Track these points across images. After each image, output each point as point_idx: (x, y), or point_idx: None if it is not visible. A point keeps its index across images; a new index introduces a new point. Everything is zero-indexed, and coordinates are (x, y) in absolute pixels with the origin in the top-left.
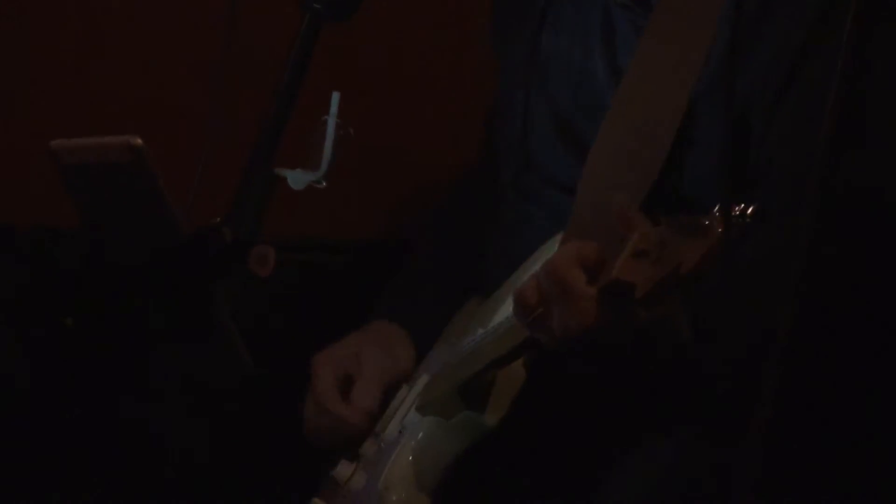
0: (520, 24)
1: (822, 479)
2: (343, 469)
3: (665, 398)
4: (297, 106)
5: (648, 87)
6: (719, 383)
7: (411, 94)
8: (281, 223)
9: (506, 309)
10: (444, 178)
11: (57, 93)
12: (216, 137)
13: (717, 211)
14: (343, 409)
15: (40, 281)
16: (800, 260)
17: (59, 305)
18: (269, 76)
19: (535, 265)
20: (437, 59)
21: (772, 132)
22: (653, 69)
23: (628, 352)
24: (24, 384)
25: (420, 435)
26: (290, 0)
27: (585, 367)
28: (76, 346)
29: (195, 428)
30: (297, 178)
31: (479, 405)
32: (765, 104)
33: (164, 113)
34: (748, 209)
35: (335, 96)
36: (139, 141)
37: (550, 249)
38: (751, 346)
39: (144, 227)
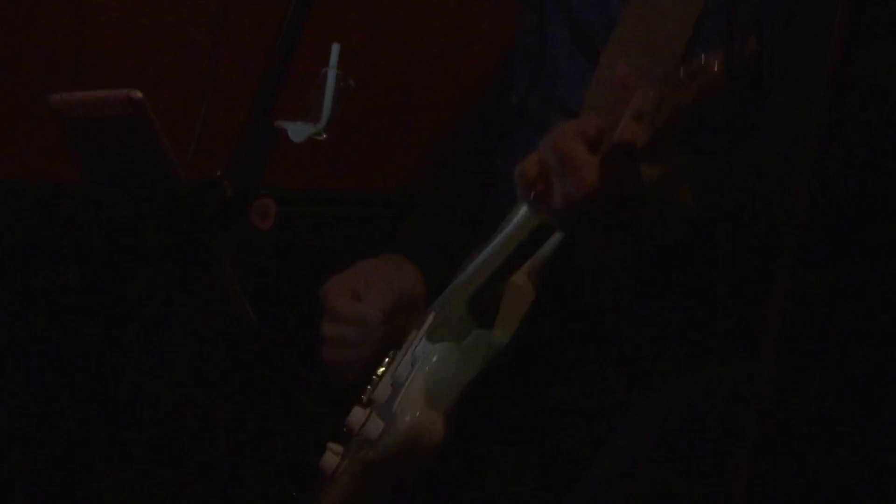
0: None
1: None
2: (357, 416)
3: (675, 300)
4: (297, 58)
5: (657, 4)
6: (728, 275)
7: (412, 44)
8: (282, 176)
9: (512, 227)
10: (446, 129)
11: (57, 47)
12: (216, 91)
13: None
14: (359, 307)
15: (42, 235)
16: (811, 154)
17: (61, 259)
18: (268, 28)
19: None
20: (438, 9)
21: (782, 46)
22: None
23: (633, 226)
24: (24, 337)
25: (434, 358)
26: None
27: (594, 250)
28: (77, 300)
29: (197, 381)
30: (297, 131)
31: (488, 320)
32: (776, 22)
33: (164, 66)
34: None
35: (335, 48)
36: (139, 94)
37: None
38: (760, 234)
39: (145, 181)
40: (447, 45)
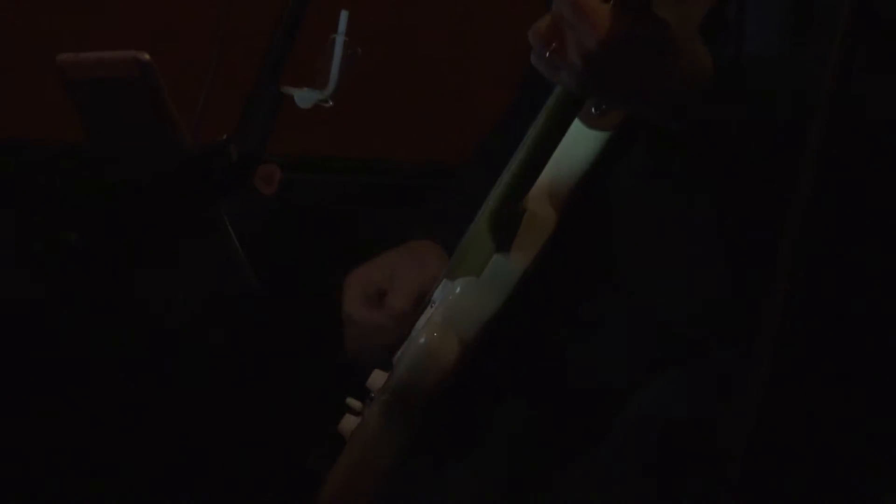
0: None
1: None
2: (377, 378)
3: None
4: (305, 24)
5: None
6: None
7: (418, 13)
8: (287, 142)
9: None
10: (449, 99)
11: (65, 8)
12: (223, 55)
13: None
14: (375, 315)
15: (44, 195)
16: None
17: (63, 221)
18: None
19: None
20: None
21: None
22: None
23: (648, 79)
24: (25, 298)
25: (457, 290)
26: None
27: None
28: (78, 262)
29: (200, 347)
30: (304, 97)
31: (507, 243)
32: None
33: (171, 29)
34: None
35: (343, 15)
36: (146, 56)
37: None
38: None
39: (150, 144)
40: (457, 17)
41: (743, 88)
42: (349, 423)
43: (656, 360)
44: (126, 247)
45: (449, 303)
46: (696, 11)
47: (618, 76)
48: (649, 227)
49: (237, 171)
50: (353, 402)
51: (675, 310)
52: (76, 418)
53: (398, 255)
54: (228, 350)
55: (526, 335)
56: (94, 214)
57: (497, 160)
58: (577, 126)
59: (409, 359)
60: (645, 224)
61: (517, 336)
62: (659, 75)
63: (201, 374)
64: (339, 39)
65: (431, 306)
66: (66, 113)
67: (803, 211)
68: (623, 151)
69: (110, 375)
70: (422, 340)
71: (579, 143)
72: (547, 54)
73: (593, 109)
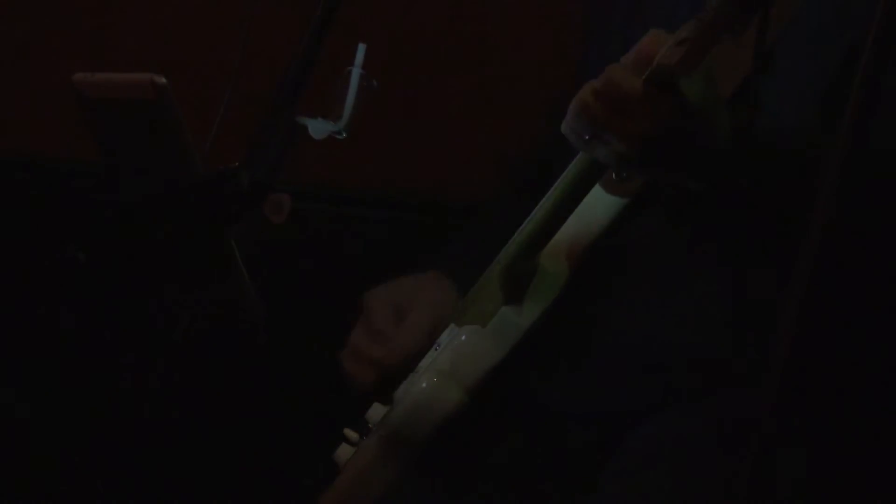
0: None
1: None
2: (377, 411)
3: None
4: (323, 55)
5: None
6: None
7: (438, 47)
8: (299, 171)
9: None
10: (464, 135)
11: (82, 27)
12: (240, 81)
13: None
14: (399, 339)
15: (54, 213)
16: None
17: (71, 239)
18: (295, 22)
19: None
20: (463, 17)
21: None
22: None
23: (685, 156)
24: (31, 315)
25: (462, 337)
26: None
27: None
28: (85, 281)
29: (206, 372)
30: (318, 128)
31: (517, 297)
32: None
33: (188, 54)
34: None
35: (361, 48)
36: (163, 79)
37: None
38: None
39: (162, 166)
40: (474, 56)
41: (757, 151)
42: (345, 451)
43: (653, 403)
44: (132, 267)
45: (453, 349)
46: (726, 81)
47: (658, 155)
48: (654, 279)
49: (247, 199)
50: (350, 434)
51: (673, 357)
52: (80, 444)
53: (416, 282)
54: (231, 374)
55: (526, 377)
56: (103, 234)
57: (526, 199)
58: (596, 189)
59: (410, 402)
60: (649, 275)
61: (517, 377)
62: (692, 148)
63: (202, 397)
64: (356, 72)
65: (436, 349)
66: (78, 132)
67: (810, 268)
68: (637, 214)
69: (113, 402)
70: (423, 385)
71: (597, 206)
72: (586, 137)
73: (614, 176)
